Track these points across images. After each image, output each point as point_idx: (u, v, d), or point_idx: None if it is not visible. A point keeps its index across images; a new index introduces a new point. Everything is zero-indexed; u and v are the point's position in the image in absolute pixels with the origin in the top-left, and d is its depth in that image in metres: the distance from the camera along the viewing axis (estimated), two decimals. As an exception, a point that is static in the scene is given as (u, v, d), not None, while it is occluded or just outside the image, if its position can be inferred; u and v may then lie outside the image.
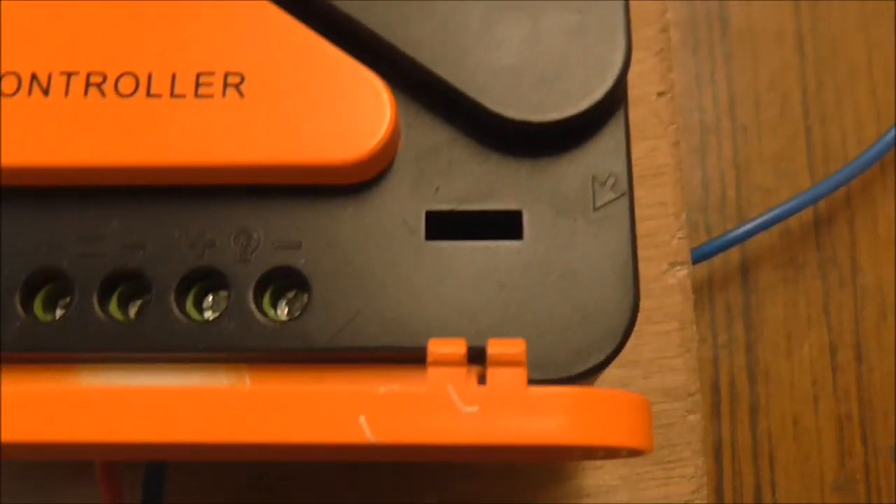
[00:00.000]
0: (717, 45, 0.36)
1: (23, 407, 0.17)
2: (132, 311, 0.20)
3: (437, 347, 0.18)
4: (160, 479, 0.23)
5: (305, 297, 0.20)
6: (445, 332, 0.19)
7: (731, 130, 0.35)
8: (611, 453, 0.18)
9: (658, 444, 0.29)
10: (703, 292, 0.32)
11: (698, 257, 0.32)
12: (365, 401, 0.17)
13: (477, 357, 0.18)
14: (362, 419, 0.16)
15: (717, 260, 0.33)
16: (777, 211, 0.33)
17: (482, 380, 0.18)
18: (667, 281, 0.29)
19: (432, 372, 0.17)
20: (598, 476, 0.29)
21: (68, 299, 0.20)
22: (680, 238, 0.30)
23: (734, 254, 0.34)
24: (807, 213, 0.34)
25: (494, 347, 0.17)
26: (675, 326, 0.29)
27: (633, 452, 0.18)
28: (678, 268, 0.30)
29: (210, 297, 0.21)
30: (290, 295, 0.21)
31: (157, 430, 0.17)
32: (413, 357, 0.20)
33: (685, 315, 0.29)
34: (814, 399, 0.33)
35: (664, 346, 0.29)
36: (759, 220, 0.33)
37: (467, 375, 0.17)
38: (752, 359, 0.33)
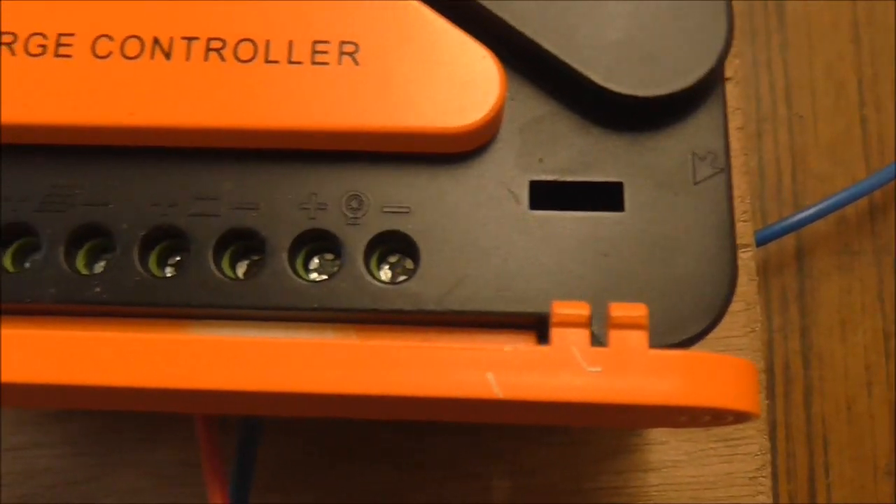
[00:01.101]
0: (773, 34, 0.37)
1: (139, 355, 0.18)
2: (241, 271, 0.21)
3: (561, 309, 0.18)
4: (256, 434, 0.24)
5: (408, 262, 0.21)
6: (550, 298, 0.20)
7: (787, 118, 0.36)
8: (717, 418, 0.18)
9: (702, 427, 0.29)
10: (759, 277, 0.33)
11: (755, 243, 0.32)
12: (492, 358, 0.17)
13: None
14: (490, 375, 0.17)
15: (772, 246, 0.34)
16: (833, 199, 0.34)
17: (594, 342, 0.18)
18: (732, 263, 0.30)
19: (556, 332, 0.18)
20: (663, 451, 0.29)
21: (178, 258, 0.21)
22: (744, 221, 0.31)
23: (789, 240, 0.34)
24: (862, 202, 0.34)
25: (618, 311, 0.18)
26: (741, 307, 0.30)
27: (741, 417, 0.18)
28: (743, 250, 0.30)
29: (315, 260, 0.21)
30: (393, 259, 0.21)
31: (289, 378, 0.17)
32: (518, 322, 0.20)
33: (750, 296, 0.30)
34: (867, 384, 0.34)
35: (730, 326, 0.30)
36: (816, 209, 0.33)
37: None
38: (807, 343, 0.34)
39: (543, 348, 0.17)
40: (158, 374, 0.18)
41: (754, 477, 0.29)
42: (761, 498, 0.29)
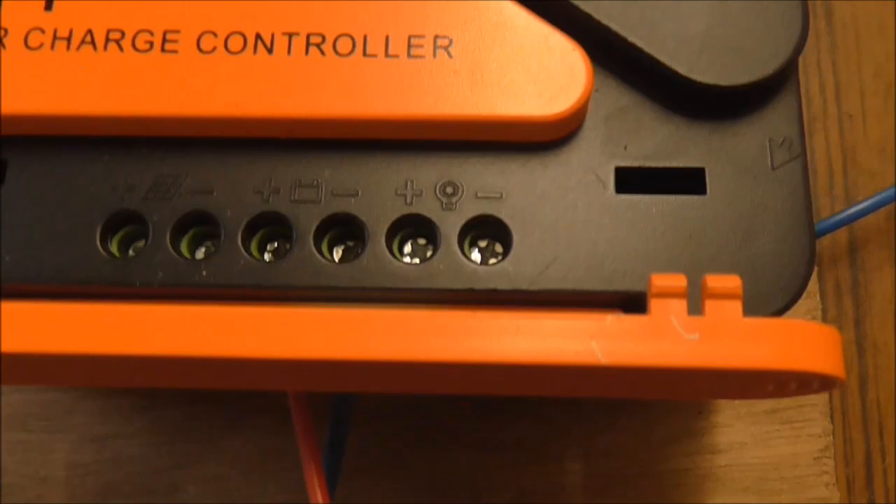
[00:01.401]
0: (822, 36, 0.38)
1: (249, 326, 0.19)
2: (336, 256, 0.22)
3: (660, 281, 0.19)
4: (347, 421, 0.25)
5: (497, 246, 0.22)
6: (639, 277, 0.21)
7: (838, 117, 0.37)
8: (804, 384, 0.19)
9: (786, 404, 0.30)
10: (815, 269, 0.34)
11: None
12: (595, 327, 0.18)
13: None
14: (594, 343, 0.18)
15: (825, 240, 0.35)
16: (884, 194, 0.34)
17: (693, 311, 0.19)
18: (791, 253, 0.31)
19: (654, 303, 0.19)
20: (729, 434, 0.30)
21: (276, 244, 0.22)
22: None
23: (842, 234, 0.35)
24: (912, 196, 0.35)
25: (713, 282, 0.19)
26: (802, 296, 0.31)
27: (826, 382, 0.19)
28: (802, 241, 0.31)
29: (409, 246, 0.22)
30: (483, 244, 0.22)
31: (396, 347, 0.18)
32: (608, 300, 0.21)
33: (810, 285, 0.31)
34: (920, 372, 0.34)
35: (792, 313, 0.31)
36: (867, 203, 0.34)
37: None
38: (861, 333, 0.35)
39: (643, 317, 0.18)
40: (267, 345, 0.19)
41: (818, 458, 0.30)
42: (825, 478, 0.30)
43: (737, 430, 0.30)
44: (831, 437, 0.29)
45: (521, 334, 0.18)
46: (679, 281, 0.19)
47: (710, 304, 0.19)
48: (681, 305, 0.19)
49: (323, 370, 0.19)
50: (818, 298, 0.30)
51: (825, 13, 0.37)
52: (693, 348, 0.18)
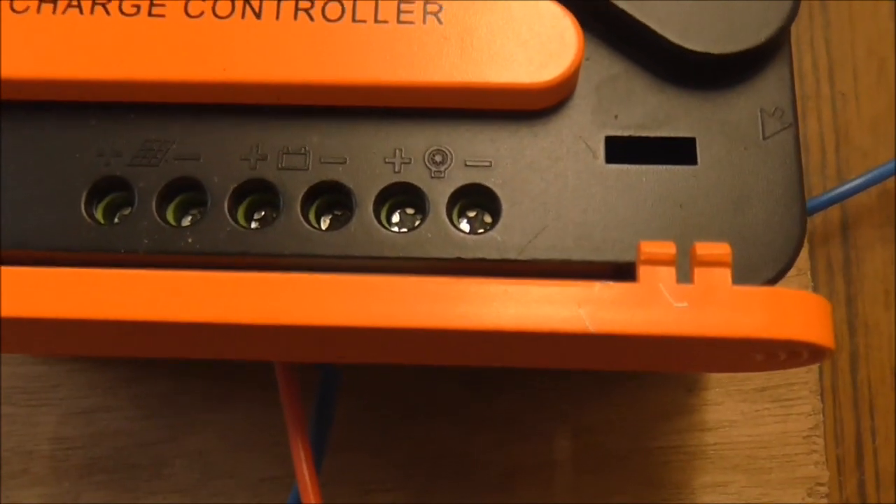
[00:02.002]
0: (816, 14, 0.37)
1: (230, 292, 0.19)
2: (324, 224, 0.22)
3: (648, 248, 0.19)
4: (334, 390, 0.25)
5: (486, 216, 0.22)
6: (628, 246, 0.21)
7: (831, 96, 0.37)
8: (794, 355, 0.19)
9: (776, 382, 0.30)
10: (805, 244, 0.34)
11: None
12: (583, 294, 0.18)
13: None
14: (582, 311, 0.18)
15: (817, 218, 0.35)
16: (876, 172, 0.34)
17: (682, 279, 0.19)
18: (783, 230, 0.31)
19: (643, 270, 0.19)
20: (719, 411, 0.30)
21: (263, 212, 0.22)
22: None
23: (834, 212, 0.35)
24: (905, 175, 0.35)
25: (703, 249, 0.19)
26: (793, 273, 0.31)
27: (816, 353, 0.19)
28: (793, 219, 0.31)
29: (397, 215, 0.22)
30: (472, 214, 0.22)
31: (382, 313, 0.18)
32: (597, 271, 0.21)
33: (801, 263, 0.31)
34: (912, 352, 0.34)
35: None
36: (859, 181, 0.34)
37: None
38: (852, 311, 0.34)
39: (632, 285, 0.18)
40: (252, 310, 0.18)
41: (808, 436, 0.30)
42: (815, 456, 0.30)
43: (727, 408, 0.29)
44: (821, 415, 0.29)
45: (509, 301, 0.18)
46: (668, 248, 0.19)
47: (699, 272, 0.18)
48: (670, 273, 0.18)
49: (308, 337, 0.19)
50: (809, 276, 0.30)
51: (819, -10, 0.37)
52: (682, 316, 0.18)
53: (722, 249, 0.18)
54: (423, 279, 0.18)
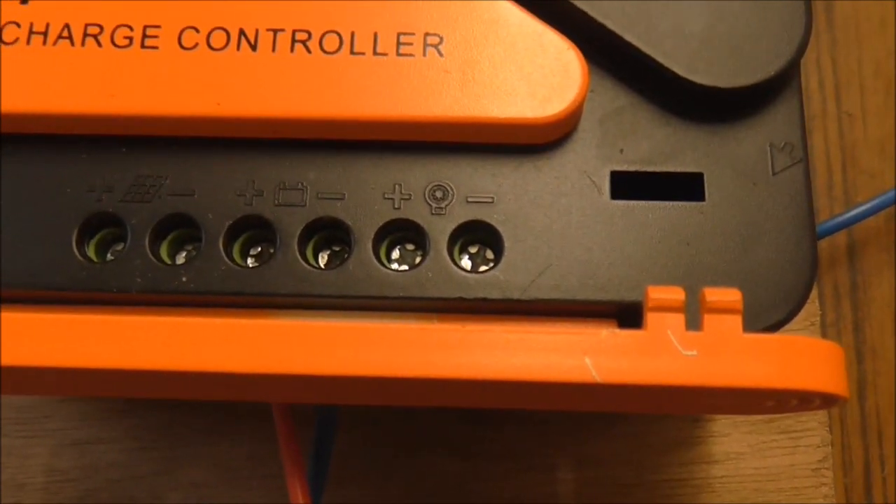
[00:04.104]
0: (822, 33, 0.37)
1: (222, 340, 0.18)
2: (322, 261, 0.21)
3: (656, 294, 0.18)
4: (331, 430, 0.24)
5: (489, 252, 0.21)
6: (634, 286, 0.20)
7: (837, 116, 0.36)
8: (805, 401, 0.18)
9: (784, 413, 0.30)
10: (813, 272, 0.33)
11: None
12: (589, 342, 0.17)
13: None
14: (588, 360, 0.17)
15: (824, 242, 0.34)
16: (884, 197, 0.34)
17: (691, 326, 0.19)
18: (790, 257, 0.30)
19: (651, 317, 0.18)
20: (726, 443, 0.29)
21: (259, 248, 0.21)
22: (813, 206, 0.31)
23: (841, 236, 0.35)
24: (912, 198, 0.34)
25: (713, 296, 0.18)
26: (802, 300, 0.30)
27: (828, 400, 0.18)
28: (800, 245, 0.30)
29: (397, 251, 0.21)
30: (473, 250, 0.21)
31: (382, 362, 0.18)
32: (602, 310, 0.20)
33: (809, 290, 0.30)
34: (920, 378, 0.34)
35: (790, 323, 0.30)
36: (867, 206, 0.34)
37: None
38: (860, 337, 0.34)
39: (639, 333, 0.18)
40: (248, 359, 0.18)
41: (817, 469, 0.29)
42: (824, 489, 0.29)
43: (734, 440, 0.29)
44: (830, 447, 0.28)
45: (513, 350, 0.17)
46: (677, 294, 0.18)
47: (708, 319, 0.18)
48: (678, 320, 0.18)
49: (306, 384, 0.18)
50: (817, 304, 0.30)
51: (825, 10, 0.36)
52: (691, 365, 0.17)
53: (733, 296, 0.18)
54: (423, 327, 0.18)
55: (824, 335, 0.33)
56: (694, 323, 0.18)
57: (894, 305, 0.34)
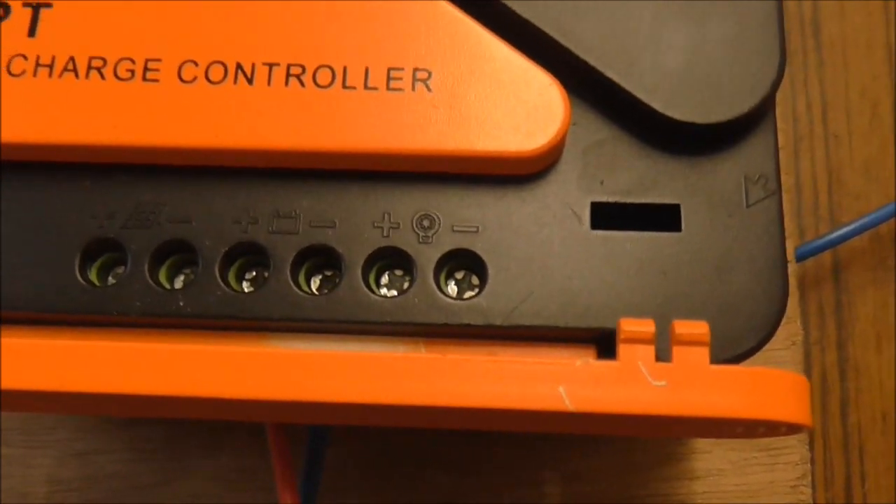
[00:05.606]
0: (810, 54, 0.38)
1: (217, 367, 0.19)
2: (314, 286, 0.22)
3: (629, 326, 0.19)
4: (323, 444, 0.25)
5: (474, 278, 0.22)
6: (612, 314, 0.21)
7: (824, 137, 0.37)
8: (772, 429, 0.19)
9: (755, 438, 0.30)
10: (796, 291, 0.34)
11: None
12: (563, 372, 0.18)
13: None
14: (561, 389, 0.18)
15: (809, 261, 0.35)
16: (869, 217, 0.35)
17: (659, 357, 0.19)
18: (773, 278, 0.31)
19: (623, 349, 0.19)
20: (707, 460, 0.30)
21: (254, 273, 0.22)
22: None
23: (826, 256, 0.35)
24: (896, 219, 0.35)
25: (681, 328, 0.19)
26: (783, 321, 0.31)
27: (793, 428, 0.19)
28: (784, 266, 0.31)
29: (386, 277, 0.22)
30: (459, 276, 0.22)
31: (367, 390, 0.19)
32: (581, 337, 0.21)
33: (790, 311, 0.31)
34: (902, 395, 0.35)
35: (772, 340, 0.31)
36: (852, 226, 0.34)
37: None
38: (843, 355, 0.35)
39: (612, 363, 0.19)
40: (238, 385, 0.19)
41: (795, 486, 0.30)
42: (802, 506, 0.30)
43: (715, 457, 0.30)
44: (809, 464, 0.29)
45: (492, 378, 0.18)
46: (647, 326, 0.19)
47: (677, 351, 0.19)
48: (648, 351, 0.19)
49: (291, 409, 0.19)
50: (798, 324, 0.30)
51: (813, 31, 0.37)
52: (660, 396, 0.18)
53: (700, 329, 0.19)
54: (404, 356, 0.18)
55: (808, 353, 0.34)
56: (664, 354, 0.19)
57: (878, 324, 0.34)
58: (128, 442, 0.31)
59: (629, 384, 0.18)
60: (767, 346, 0.28)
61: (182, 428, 0.31)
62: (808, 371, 0.35)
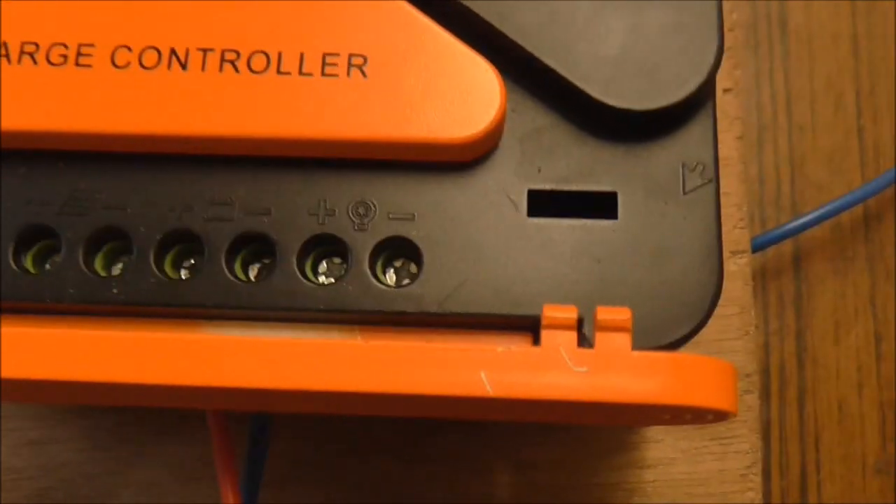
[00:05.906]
0: (776, 46, 0.38)
1: (152, 353, 0.19)
2: (252, 273, 0.22)
3: (552, 312, 0.19)
4: (265, 432, 0.25)
5: (413, 266, 0.22)
6: (546, 301, 0.21)
7: (788, 128, 0.37)
8: (698, 416, 0.19)
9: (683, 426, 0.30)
10: (756, 281, 0.34)
11: (753, 248, 0.33)
12: (485, 358, 0.18)
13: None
14: (483, 374, 0.18)
15: (770, 251, 0.35)
16: (830, 207, 0.35)
17: (583, 343, 0.19)
18: (728, 268, 0.31)
19: (546, 334, 0.19)
20: (658, 449, 0.30)
21: (192, 261, 0.22)
22: (741, 228, 0.32)
23: (786, 245, 0.35)
24: (857, 209, 0.35)
25: (603, 314, 0.19)
26: (736, 311, 0.31)
27: (720, 416, 0.19)
28: (739, 256, 0.31)
29: (324, 264, 0.22)
30: (398, 264, 0.22)
31: (296, 376, 0.19)
32: (515, 324, 0.21)
33: (745, 300, 0.31)
34: (858, 385, 0.35)
35: (724, 329, 0.31)
36: (813, 215, 0.34)
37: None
38: (802, 345, 0.35)
39: (533, 349, 0.19)
40: (173, 372, 0.19)
41: (745, 474, 0.30)
42: (750, 495, 0.30)
43: (666, 445, 0.30)
44: (759, 453, 0.29)
45: (414, 365, 0.18)
46: (569, 312, 0.19)
47: (599, 337, 0.19)
48: (571, 337, 0.19)
49: (224, 395, 0.19)
50: (752, 314, 0.30)
51: (779, 22, 0.37)
52: (581, 381, 0.18)
53: (622, 315, 0.19)
54: (329, 343, 0.18)
55: (767, 343, 0.34)
56: (588, 340, 0.19)
57: (836, 314, 0.34)
58: (82, 431, 0.30)
59: (550, 370, 0.18)
60: (721, 336, 0.29)
61: (137, 417, 0.31)
62: (766, 361, 0.35)
